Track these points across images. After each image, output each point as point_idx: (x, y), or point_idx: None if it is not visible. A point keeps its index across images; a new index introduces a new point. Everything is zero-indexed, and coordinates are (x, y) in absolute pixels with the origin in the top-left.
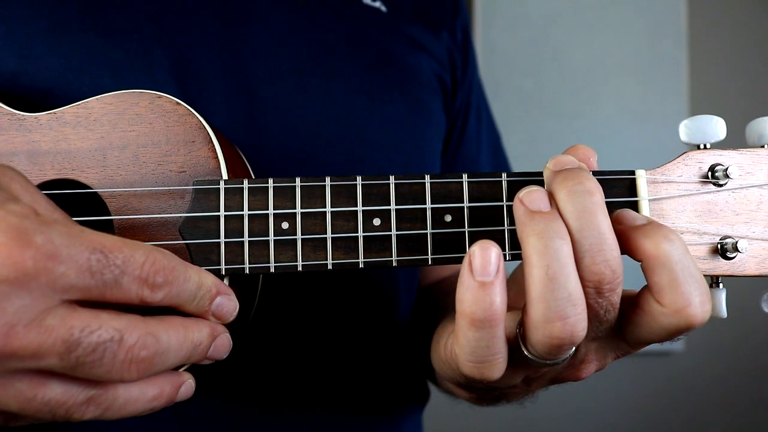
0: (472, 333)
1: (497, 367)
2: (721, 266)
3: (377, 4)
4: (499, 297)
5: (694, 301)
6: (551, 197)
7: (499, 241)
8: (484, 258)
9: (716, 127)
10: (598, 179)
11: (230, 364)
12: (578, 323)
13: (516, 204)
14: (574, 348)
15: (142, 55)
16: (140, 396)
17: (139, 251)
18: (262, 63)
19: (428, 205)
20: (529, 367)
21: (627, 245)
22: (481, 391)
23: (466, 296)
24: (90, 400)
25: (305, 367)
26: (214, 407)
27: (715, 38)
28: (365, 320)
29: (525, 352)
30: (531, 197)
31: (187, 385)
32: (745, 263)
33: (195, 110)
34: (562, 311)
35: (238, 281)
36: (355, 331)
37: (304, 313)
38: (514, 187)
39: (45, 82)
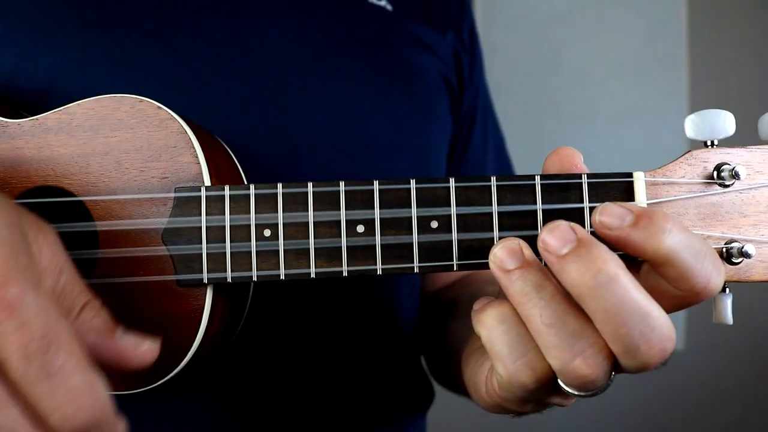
0: None
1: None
2: (727, 271)
3: (382, 3)
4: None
5: (712, 276)
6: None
7: (488, 248)
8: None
9: (725, 121)
10: (593, 182)
11: (227, 370)
12: (596, 351)
13: (491, 264)
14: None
15: (140, 54)
16: None
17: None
18: (264, 63)
19: (414, 212)
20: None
21: (625, 250)
22: None
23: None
24: None
25: (305, 374)
26: (210, 415)
27: (715, 38)
28: (367, 326)
29: (568, 389)
30: (500, 258)
31: None
32: (752, 268)
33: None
34: (575, 348)
35: (225, 290)
36: (356, 337)
37: (303, 320)
38: (503, 192)
39: (41, 81)
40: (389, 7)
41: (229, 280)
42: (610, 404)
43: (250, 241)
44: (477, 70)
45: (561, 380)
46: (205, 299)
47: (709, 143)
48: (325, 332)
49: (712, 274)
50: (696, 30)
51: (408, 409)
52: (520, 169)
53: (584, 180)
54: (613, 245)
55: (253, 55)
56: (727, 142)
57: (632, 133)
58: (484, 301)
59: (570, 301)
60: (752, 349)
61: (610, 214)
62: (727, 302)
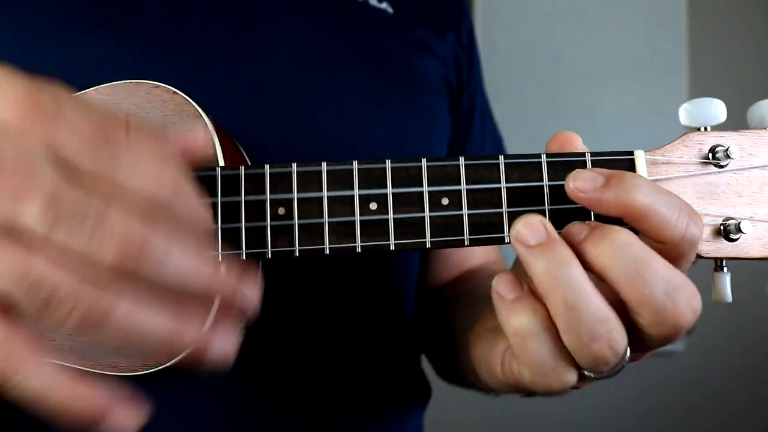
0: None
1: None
2: (725, 248)
3: (384, 6)
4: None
5: (689, 224)
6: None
7: (499, 224)
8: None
9: (716, 109)
10: (596, 160)
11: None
12: (614, 336)
13: (513, 241)
14: (626, 356)
15: (148, 55)
16: (146, 316)
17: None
18: (270, 65)
19: (425, 189)
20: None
21: (601, 211)
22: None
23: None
24: (81, 296)
25: (305, 365)
26: (207, 405)
27: (715, 38)
28: (369, 318)
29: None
30: (523, 233)
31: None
32: (749, 245)
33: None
34: (593, 332)
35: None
36: (358, 329)
37: (305, 310)
38: (512, 170)
39: (50, 80)
40: (390, 10)
41: (244, 257)
42: (610, 404)
43: (264, 218)
44: (475, 71)
45: (577, 361)
46: None
47: (702, 129)
48: (328, 323)
49: (689, 222)
50: (696, 30)
51: (408, 401)
52: None
53: (588, 158)
54: (591, 208)
55: (259, 59)
56: (720, 128)
57: (632, 133)
58: (506, 279)
59: (590, 283)
60: (752, 349)
61: (582, 179)
62: (726, 280)
